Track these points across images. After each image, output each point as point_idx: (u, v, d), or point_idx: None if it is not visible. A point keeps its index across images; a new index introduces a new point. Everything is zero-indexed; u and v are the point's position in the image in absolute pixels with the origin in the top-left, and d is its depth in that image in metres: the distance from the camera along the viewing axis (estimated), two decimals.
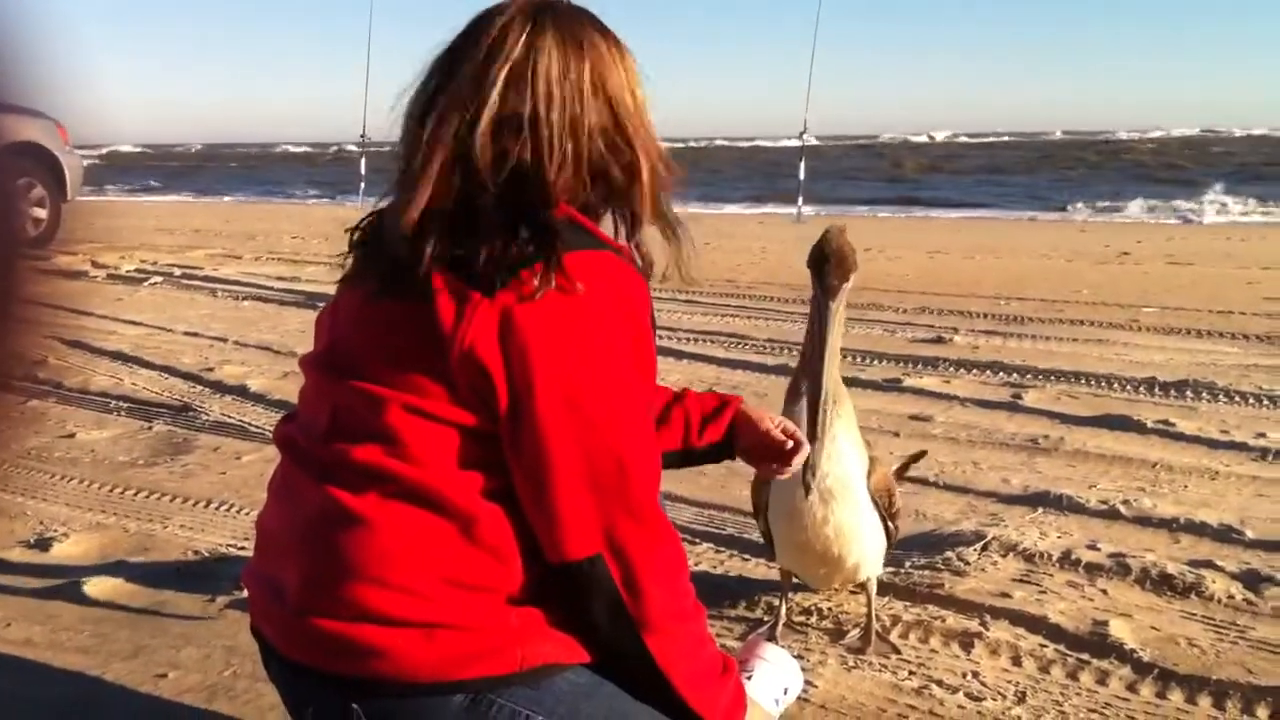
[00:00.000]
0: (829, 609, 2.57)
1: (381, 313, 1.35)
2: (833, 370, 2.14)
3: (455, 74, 1.37)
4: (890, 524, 2.38)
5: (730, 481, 3.54)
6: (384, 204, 1.44)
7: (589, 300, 1.28)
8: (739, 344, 5.86)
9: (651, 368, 1.39)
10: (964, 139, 53.81)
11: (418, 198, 1.33)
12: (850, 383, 2.56)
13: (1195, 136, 51.57)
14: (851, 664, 2.34)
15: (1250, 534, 3.01)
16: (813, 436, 2.07)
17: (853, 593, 2.59)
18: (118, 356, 5.53)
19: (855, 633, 2.44)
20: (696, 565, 2.80)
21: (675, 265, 1.51)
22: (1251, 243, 11.01)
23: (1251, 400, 4.50)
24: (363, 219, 1.46)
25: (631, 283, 1.35)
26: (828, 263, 2.10)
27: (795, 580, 2.51)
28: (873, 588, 2.42)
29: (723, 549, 2.98)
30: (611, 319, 1.31)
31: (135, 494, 3.48)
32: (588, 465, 1.29)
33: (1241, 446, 3.87)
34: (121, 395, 4.76)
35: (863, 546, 2.30)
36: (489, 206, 1.32)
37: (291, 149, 60.06)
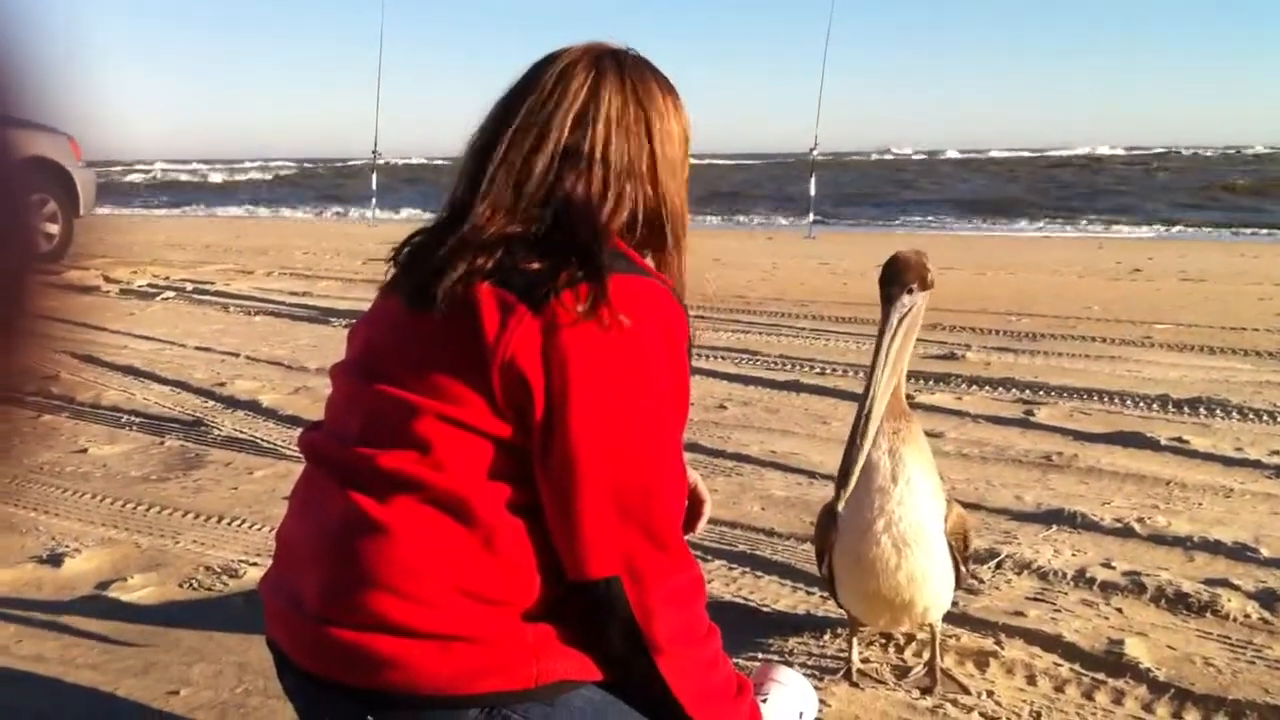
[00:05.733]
0: (841, 629, 2.55)
1: (423, 323, 1.36)
2: (885, 382, 2.07)
3: (521, 111, 1.42)
4: (963, 567, 2.28)
5: (743, 498, 3.54)
6: (431, 222, 1.48)
7: (632, 324, 1.30)
8: (750, 360, 5.86)
9: (686, 395, 1.40)
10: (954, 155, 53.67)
11: (478, 219, 1.37)
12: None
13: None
14: (864, 683, 2.32)
15: (1265, 552, 2.99)
16: (851, 440, 2.06)
17: None
18: (130, 371, 5.55)
19: (920, 670, 2.36)
20: (709, 584, 2.78)
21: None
22: (1264, 259, 10.98)
23: (1265, 417, 4.48)
24: (411, 235, 1.48)
25: (674, 312, 1.37)
26: (888, 270, 2.10)
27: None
28: (939, 628, 2.33)
29: (735, 566, 2.97)
30: (653, 345, 1.33)
31: (147, 509, 3.48)
32: (615, 489, 1.30)
33: (1255, 464, 3.85)
34: (133, 410, 4.77)
35: (934, 591, 2.21)
36: (545, 233, 1.37)
37: (302, 164, 60.27)
